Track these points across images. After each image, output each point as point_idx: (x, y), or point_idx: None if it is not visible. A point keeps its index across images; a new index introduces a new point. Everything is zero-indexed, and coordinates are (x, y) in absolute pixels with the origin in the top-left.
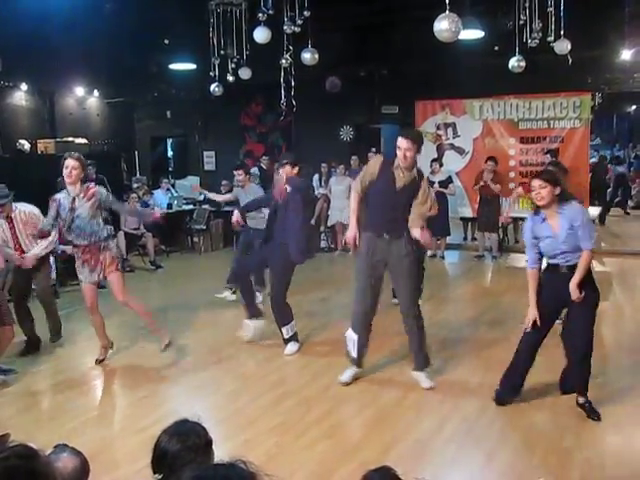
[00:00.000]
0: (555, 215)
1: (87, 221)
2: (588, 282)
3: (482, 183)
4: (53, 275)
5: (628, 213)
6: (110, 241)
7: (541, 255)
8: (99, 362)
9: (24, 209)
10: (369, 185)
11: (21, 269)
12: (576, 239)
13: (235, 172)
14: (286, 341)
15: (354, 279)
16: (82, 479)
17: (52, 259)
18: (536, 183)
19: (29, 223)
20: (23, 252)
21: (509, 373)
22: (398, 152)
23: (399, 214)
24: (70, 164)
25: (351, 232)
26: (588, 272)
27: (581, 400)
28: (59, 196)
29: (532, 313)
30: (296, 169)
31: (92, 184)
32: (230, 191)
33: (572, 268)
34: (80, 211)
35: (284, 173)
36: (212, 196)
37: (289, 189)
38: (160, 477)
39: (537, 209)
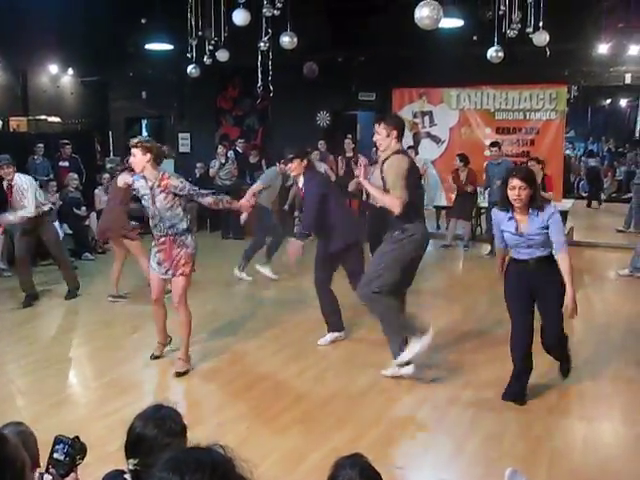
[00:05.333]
0: (524, 216)
1: (164, 212)
2: (556, 272)
3: (454, 175)
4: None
5: (590, 207)
6: (188, 236)
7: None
8: (154, 358)
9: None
10: None
11: (26, 234)
12: (546, 238)
13: (287, 168)
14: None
15: None
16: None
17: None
18: (517, 183)
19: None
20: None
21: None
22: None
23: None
24: (132, 152)
25: None
26: (554, 262)
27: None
28: (137, 184)
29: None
30: (304, 162)
31: (166, 173)
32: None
33: (539, 260)
34: (157, 201)
35: (293, 171)
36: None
37: (303, 187)
38: (136, 462)
39: (504, 206)
